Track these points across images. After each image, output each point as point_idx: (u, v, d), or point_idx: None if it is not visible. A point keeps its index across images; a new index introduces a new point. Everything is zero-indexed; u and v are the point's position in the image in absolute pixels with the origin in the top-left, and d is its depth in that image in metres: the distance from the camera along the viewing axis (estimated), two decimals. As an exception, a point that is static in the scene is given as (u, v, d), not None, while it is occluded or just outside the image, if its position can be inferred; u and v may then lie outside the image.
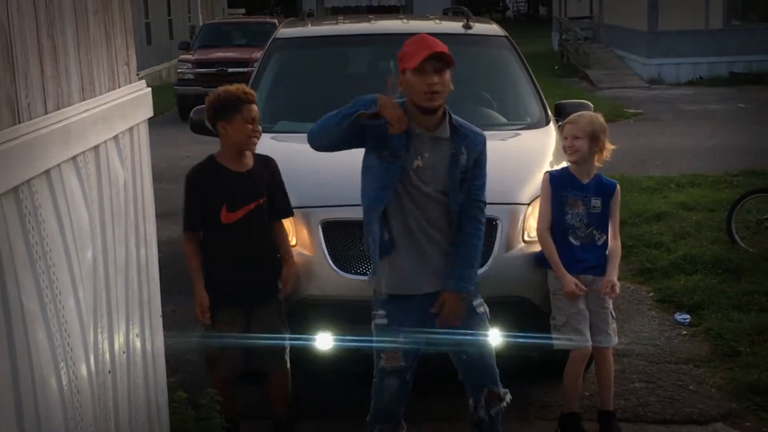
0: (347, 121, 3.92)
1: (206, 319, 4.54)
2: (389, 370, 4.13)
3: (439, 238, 4.08)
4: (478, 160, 4.07)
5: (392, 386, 4.15)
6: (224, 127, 4.52)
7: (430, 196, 4.03)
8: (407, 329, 4.09)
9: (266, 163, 4.67)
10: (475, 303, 4.19)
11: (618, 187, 4.90)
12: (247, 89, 4.60)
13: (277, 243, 4.68)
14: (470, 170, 4.04)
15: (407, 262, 4.08)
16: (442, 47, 3.93)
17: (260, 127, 4.57)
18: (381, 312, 4.15)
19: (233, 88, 4.57)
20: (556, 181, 4.81)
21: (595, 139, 4.76)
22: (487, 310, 4.24)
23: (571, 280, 4.67)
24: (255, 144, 4.55)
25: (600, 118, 4.89)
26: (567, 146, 4.78)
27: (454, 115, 4.08)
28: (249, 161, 4.60)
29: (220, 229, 4.52)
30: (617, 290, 4.78)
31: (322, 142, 4.09)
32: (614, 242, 4.85)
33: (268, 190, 4.60)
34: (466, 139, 4.04)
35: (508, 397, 4.29)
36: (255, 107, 4.55)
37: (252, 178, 4.56)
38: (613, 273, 4.77)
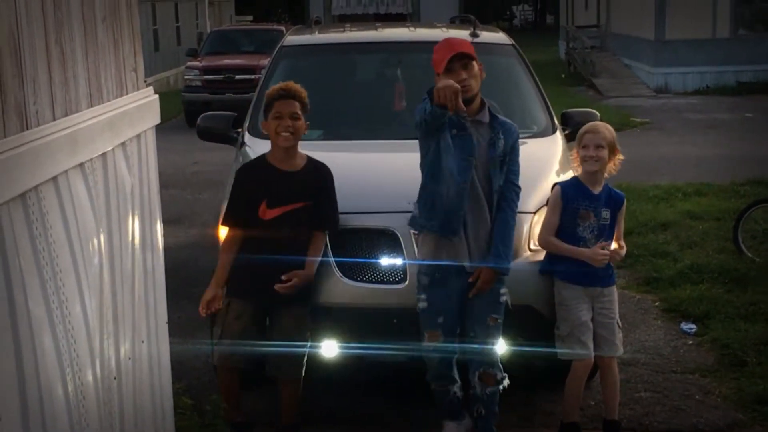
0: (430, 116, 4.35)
1: (204, 312, 4.59)
2: (432, 345, 4.55)
3: (481, 219, 4.49)
4: (514, 147, 4.57)
5: (435, 358, 4.59)
6: (264, 125, 4.65)
7: (476, 176, 4.45)
8: (445, 311, 4.51)
9: (319, 170, 4.66)
10: (501, 290, 4.55)
11: (625, 199, 4.92)
12: (288, 85, 4.62)
13: (308, 250, 4.63)
14: (507, 155, 4.53)
15: (456, 237, 4.47)
16: (461, 47, 4.47)
17: (294, 122, 4.52)
18: (422, 296, 4.55)
19: (275, 86, 4.68)
20: (569, 194, 4.78)
21: (612, 149, 4.77)
22: (509, 300, 4.55)
23: (592, 252, 4.68)
24: (285, 139, 4.52)
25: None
26: (590, 156, 4.74)
27: (491, 106, 4.57)
28: (298, 163, 4.60)
29: (256, 224, 4.53)
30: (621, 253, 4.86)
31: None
32: (619, 242, 4.89)
33: (314, 197, 4.58)
34: (503, 126, 4.56)
35: (506, 382, 4.60)
36: (288, 102, 4.54)
37: (297, 181, 4.56)
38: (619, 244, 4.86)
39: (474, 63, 4.46)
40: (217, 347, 4.60)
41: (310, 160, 4.65)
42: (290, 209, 4.51)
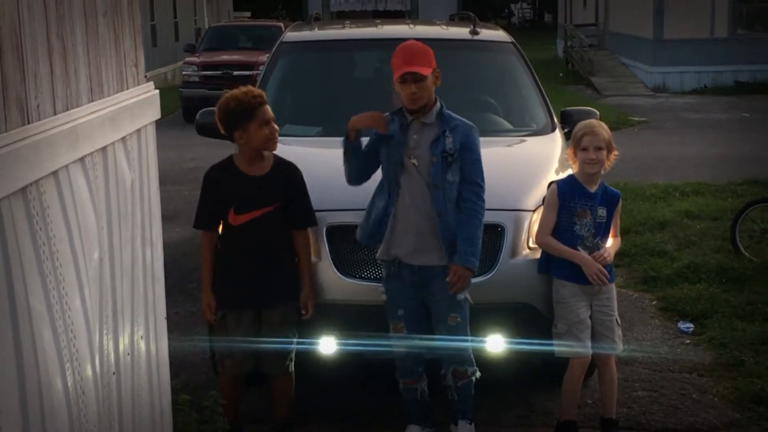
0: (348, 152, 4.63)
1: (211, 320, 4.57)
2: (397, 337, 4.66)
3: (425, 213, 4.50)
4: (465, 143, 4.52)
5: (402, 351, 4.67)
6: (241, 135, 4.47)
7: (418, 172, 4.49)
8: (404, 304, 4.61)
9: (286, 170, 4.60)
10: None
11: (620, 196, 4.92)
12: (255, 91, 4.52)
13: (297, 255, 4.64)
14: (457, 152, 4.49)
15: (401, 233, 4.55)
16: (418, 64, 4.43)
17: (276, 126, 4.52)
18: (382, 289, 4.70)
19: (240, 94, 4.48)
20: (565, 192, 4.77)
21: (609, 147, 4.77)
22: (469, 298, 4.55)
23: (591, 263, 4.66)
24: (275, 143, 4.50)
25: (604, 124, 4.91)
26: (589, 158, 4.72)
27: (446, 110, 4.57)
28: (266, 166, 4.54)
29: (229, 229, 4.53)
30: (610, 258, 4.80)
31: (351, 179, 4.74)
32: (615, 238, 4.89)
33: (283, 198, 4.54)
34: (451, 124, 4.54)
35: (478, 374, 4.65)
36: (267, 108, 4.49)
37: (265, 185, 4.50)
38: (611, 250, 4.81)
39: (427, 77, 4.45)
40: (226, 360, 4.61)
41: (277, 160, 4.60)
42: (259, 214, 4.49)
